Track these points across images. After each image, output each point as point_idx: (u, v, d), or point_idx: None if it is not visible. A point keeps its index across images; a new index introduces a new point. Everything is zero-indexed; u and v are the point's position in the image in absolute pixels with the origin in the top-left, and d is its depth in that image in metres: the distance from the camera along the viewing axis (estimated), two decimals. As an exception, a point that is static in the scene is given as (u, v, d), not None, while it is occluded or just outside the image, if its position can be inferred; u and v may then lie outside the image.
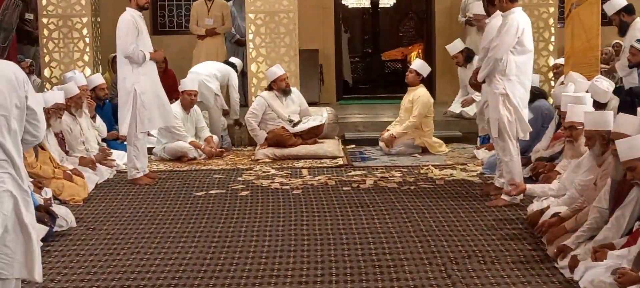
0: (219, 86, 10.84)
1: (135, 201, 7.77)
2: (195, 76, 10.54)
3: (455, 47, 11.18)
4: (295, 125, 10.25)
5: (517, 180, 7.12)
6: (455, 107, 11.41)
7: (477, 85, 7.63)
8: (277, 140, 10.12)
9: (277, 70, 10.39)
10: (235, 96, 11.02)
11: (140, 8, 8.48)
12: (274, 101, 10.32)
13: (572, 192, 6.15)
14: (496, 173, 7.77)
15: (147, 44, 8.48)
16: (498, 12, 7.33)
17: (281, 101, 10.35)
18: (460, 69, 11.44)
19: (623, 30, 9.56)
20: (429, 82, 13.63)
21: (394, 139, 10.18)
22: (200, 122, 10.35)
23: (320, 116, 10.48)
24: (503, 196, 7.22)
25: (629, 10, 9.60)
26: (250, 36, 11.26)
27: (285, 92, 10.35)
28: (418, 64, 10.63)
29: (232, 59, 11.50)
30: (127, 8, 8.48)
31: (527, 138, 7.44)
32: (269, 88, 10.42)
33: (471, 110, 10.81)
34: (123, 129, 8.58)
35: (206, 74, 10.76)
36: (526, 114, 7.26)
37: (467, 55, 11.06)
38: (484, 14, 7.72)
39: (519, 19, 7.10)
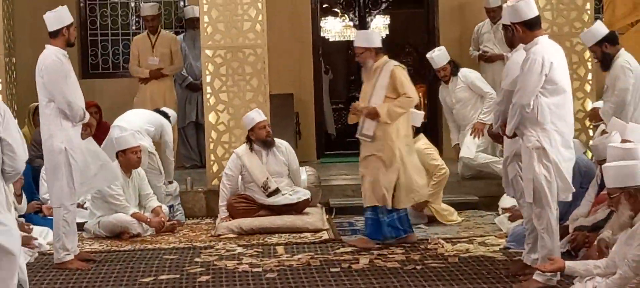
0: (151, 143, 10.79)
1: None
2: (124, 131, 10.45)
3: (442, 56, 11.36)
4: (271, 194, 10.21)
5: (555, 256, 7.09)
6: (467, 152, 11.40)
7: (498, 137, 7.64)
8: (235, 212, 10.11)
9: (256, 116, 10.42)
10: (170, 156, 10.98)
11: (67, 45, 8.47)
12: (250, 159, 10.30)
13: (625, 270, 6.12)
14: (525, 247, 7.74)
15: (78, 93, 8.46)
16: (521, 45, 7.38)
17: (261, 158, 10.33)
18: (443, 90, 11.67)
19: (606, 63, 9.58)
20: (434, 133, 13.72)
21: (424, 205, 10.22)
22: (144, 188, 10.29)
23: (304, 190, 10.45)
24: (536, 276, 7.17)
25: (612, 39, 9.61)
26: (208, 78, 11.27)
27: (267, 143, 10.35)
28: None
29: (165, 109, 11.43)
30: (48, 46, 8.44)
31: (570, 199, 7.44)
32: (248, 141, 10.41)
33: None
34: (52, 198, 8.52)
35: (136, 128, 10.64)
36: (569, 169, 7.26)
37: (454, 68, 11.38)
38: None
39: (544, 51, 7.13)
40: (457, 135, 11.86)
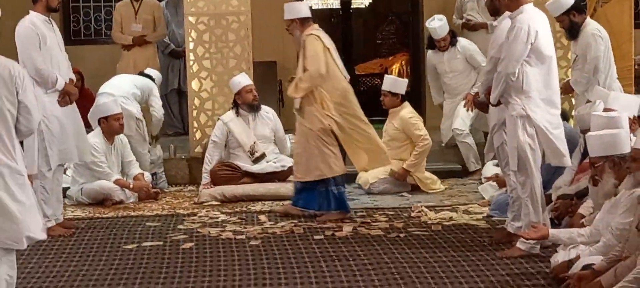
0: (139, 108, 10.77)
1: (46, 258, 7.66)
2: (109, 97, 10.42)
3: (444, 27, 11.30)
4: (257, 160, 10.21)
5: (539, 224, 7.13)
6: (461, 124, 11.33)
7: (483, 105, 7.66)
8: (218, 180, 10.10)
9: (242, 80, 10.43)
10: (159, 114, 10.96)
11: (48, 10, 8.41)
12: (236, 124, 10.30)
13: (609, 238, 6.17)
14: (508, 215, 7.78)
15: (56, 59, 8.40)
16: (507, 13, 7.39)
17: (247, 122, 10.33)
18: (434, 57, 11.63)
19: (573, 33, 9.54)
20: (417, 102, 13.73)
21: (405, 173, 10.22)
22: (127, 155, 10.29)
23: (288, 158, 10.44)
24: (519, 244, 7.22)
25: (579, 8, 9.56)
26: (191, 45, 11.24)
27: (253, 107, 10.35)
28: (389, 83, 10.68)
29: (148, 70, 11.37)
30: (31, 11, 8.40)
31: (568, 164, 7.51)
32: (234, 105, 10.40)
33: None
34: (30, 166, 8.46)
35: (122, 94, 10.62)
36: (560, 136, 7.28)
37: (452, 38, 11.32)
38: None
39: (530, 19, 7.14)
40: (440, 98, 11.82)
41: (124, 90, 10.68)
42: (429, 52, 11.77)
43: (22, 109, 5.64)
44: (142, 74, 11.23)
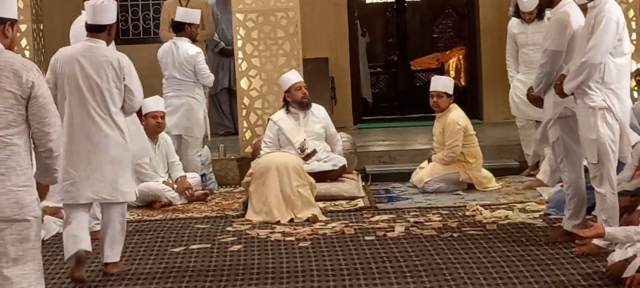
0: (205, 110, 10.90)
1: (93, 261, 7.74)
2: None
3: (534, 0, 10.95)
4: (307, 156, 10.24)
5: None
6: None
7: (537, 99, 7.64)
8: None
9: (292, 77, 10.47)
10: (208, 82, 11.00)
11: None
12: (285, 122, 10.35)
13: (668, 236, 6.12)
14: (565, 213, 7.74)
15: None
16: (565, 2, 7.37)
17: (298, 120, 10.35)
18: (519, 26, 11.18)
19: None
20: (473, 98, 13.70)
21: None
22: (171, 155, 10.37)
23: (340, 157, 10.49)
24: (597, 241, 7.11)
25: None
26: (239, 43, 11.31)
27: (303, 104, 10.39)
28: (443, 83, 10.57)
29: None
30: (82, 12, 8.49)
31: (627, 160, 7.47)
32: (285, 104, 10.47)
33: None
34: None
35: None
36: (630, 130, 7.27)
37: (540, 11, 10.93)
38: None
39: (617, 9, 7.13)
40: (515, 71, 11.51)
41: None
42: (513, 20, 11.33)
43: (127, 91, 7.19)
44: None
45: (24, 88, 4.89)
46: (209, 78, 10.80)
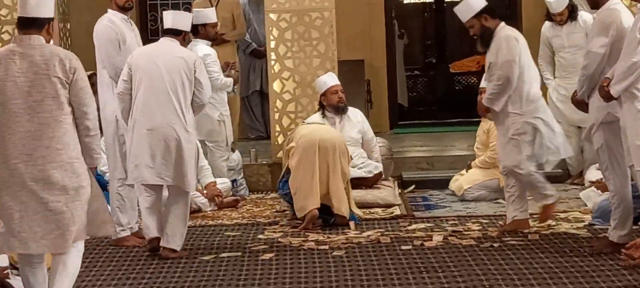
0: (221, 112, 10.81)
1: (120, 269, 7.77)
2: None
3: (561, 2, 10.85)
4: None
5: None
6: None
7: (583, 104, 7.59)
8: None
9: (328, 80, 10.44)
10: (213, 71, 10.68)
11: (120, 9, 8.54)
12: None
13: None
14: (611, 223, 7.68)
15: None
16: (613, 2, 7.34)
17: (334, 125, 10.26)
18: (552, 29, 11.09)
19: (485, 39, 8.90)
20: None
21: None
22: (200, 159, 10.35)
23: (375, 163, 10.45)
24: None
25: (491, 11, 8.97)
26: (272, 44, 11.31)
27: (339, 109, 10.36)
28: None
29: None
30: (108, 10, 8.55)
31: None
32: (320, 107, 10.46)
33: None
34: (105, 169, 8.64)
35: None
36: None
37: (572, 11, 10.86)
38: None
39: None
40: (550, 78, 11.31)
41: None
42: (546, 24, 11.21)
43: (197, 85, 8.08)
44: None
45: (68, 73, 5.97)
46: (217, 81, 10.55)
